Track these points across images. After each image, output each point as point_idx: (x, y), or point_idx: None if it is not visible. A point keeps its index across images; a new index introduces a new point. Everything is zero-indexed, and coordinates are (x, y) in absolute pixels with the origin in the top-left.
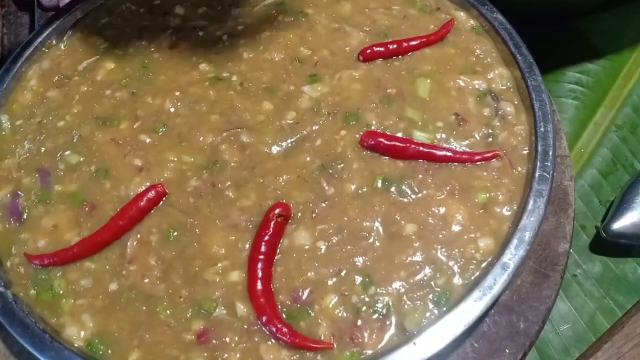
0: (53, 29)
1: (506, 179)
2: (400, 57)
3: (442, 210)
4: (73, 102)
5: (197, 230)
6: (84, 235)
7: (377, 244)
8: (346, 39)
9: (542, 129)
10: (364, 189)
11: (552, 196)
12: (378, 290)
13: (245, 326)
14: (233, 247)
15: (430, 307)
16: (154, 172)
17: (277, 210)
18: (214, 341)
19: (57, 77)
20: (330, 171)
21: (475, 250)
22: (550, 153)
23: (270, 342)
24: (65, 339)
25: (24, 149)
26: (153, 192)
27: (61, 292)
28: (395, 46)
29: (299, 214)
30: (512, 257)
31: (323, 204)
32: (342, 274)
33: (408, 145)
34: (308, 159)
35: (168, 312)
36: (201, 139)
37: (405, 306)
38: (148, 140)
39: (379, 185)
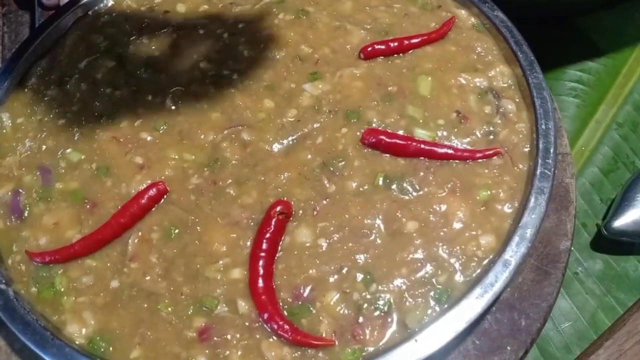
0: (54, 27)
1: (507, 177)
2: (401, 54)
3: (444, 207)
4: (74, 100)
5: (198, 228)
6: (85, 233)
7: (379, 241)
8: (347, 37)
9: (543, 127)
10: (365, 187)
11: (553, 194)
12: (379, 287)
13: (247, 323)
14: (234, 245)
15: (432, 304)
16: (155, 170)
17: (278, 208)
18: (215, 338)
19: (57, 75)
20: (332, 169)
21: (476, 248)
22: (552, 150)
23: (271, 339)
24: (67, 336)
25: (24, 147)
26: (154, 189)
27: (62, 289)
28: (396, 44)
29: (300, 212)
30: (513, 254)
31: (324, 202)
32: (344, 271)
33: (409, 142)
34: (309, 156)
35: (169, 309)
36: (202, 136)
37: (407, 303)
38: (149, 138)
39: (380, 182)
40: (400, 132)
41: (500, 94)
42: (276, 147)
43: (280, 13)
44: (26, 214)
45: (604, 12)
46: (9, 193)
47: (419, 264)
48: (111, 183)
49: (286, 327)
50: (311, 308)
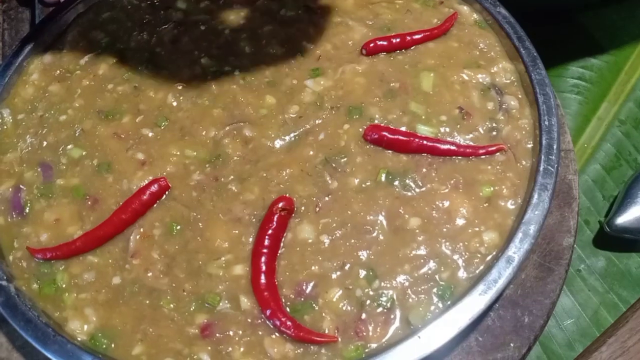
0: (55, 23)
1: (510, 173)
2: (403, 51)
3: (447, 204)
4: (75, 96)
5: (200, 224)
6: (86, 229)
7: (381, 237)
8: (349, 33)
9: (546, 123)
10: (368, 183)
11: (556, 190)
12: (382, 284)
13: (249, 320)
14: (236, 241)
15: (435, 301)
16: (157, 166)
17: (280, 204)
18: (217, 335)
19: (59, 71)
20: (334, 165)
21: (479, 244)
22: (555, 147)
23: (274, 336)
24: (68, 332)
25: (25, 143)
26: (156, 185)
27: (64, 286)
28: (398, 40)
29: (303, 208)
30: (516, 250)
31: (326, 198)
32: (346, 267)
33: (412, 139)
34: (311, 153)
35: (171, 305)
36: (204, 133)
37: (410, 300)
38: (150, 134)
39: (383, 179)
40: (403, 129)
41: (503, 90)
42: (278, 143)
43: (281, 9)
44: (27, 211)
45: (607, 9)
46: (10, 189)
47: (422, 261)
48: (112, 179)
49: (289, 323)
50: (314, 304)
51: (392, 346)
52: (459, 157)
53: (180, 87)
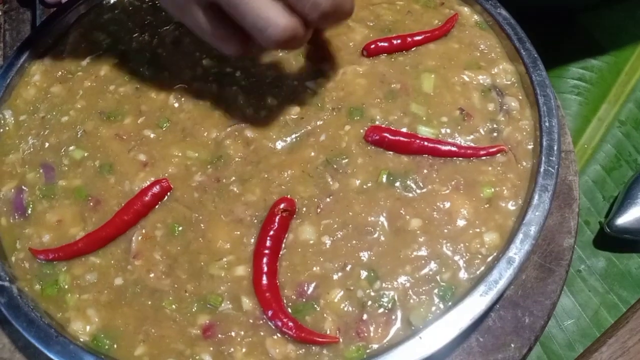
0: (56, 24)
1: (511, 174)
2: (404, 52)
3: (447, 205)
4: (77, 97)
5: (202, 225)
6: (88, 230)
7: (382, 238)
8: (350, 34)
9: (546, 124)
10: (369, 184)
11: (556, 191)
12: (383, 284)
13: (251, 320)
14: (238, 242)
15: (436, 302)
16: (159, 167)
17: (282, 205)
18: (219, 335)
19: (60, 73)
20: (335, 166)
21: (480, 245)
22: (555, 148)
23: (276, 337)
24: (71, 333)
25: (27, 144)
26: (158, 187)
27: (66, 286)
28: (399, 41)
29: (304, 209)
30: (517, 251)
31: (328, 199)
32: (348, 268)
33: (413, 140)
34: (312, 154)
35: (173, 306)
36: (205, 134)
37: (411, 301)
38: (152, 135)
39: (384, 180)
40: (404, 130)
41: (503, 92)
42: (279, 144)
43: None
44: (29, 212)
45: (607, 9)
46: (12, 190)
47: (423, 262)
48: (114, 180)
49: (290, 324)
50: (315, 305)
51: (393, 347)
52: (460, 158)
53: (181, 88)
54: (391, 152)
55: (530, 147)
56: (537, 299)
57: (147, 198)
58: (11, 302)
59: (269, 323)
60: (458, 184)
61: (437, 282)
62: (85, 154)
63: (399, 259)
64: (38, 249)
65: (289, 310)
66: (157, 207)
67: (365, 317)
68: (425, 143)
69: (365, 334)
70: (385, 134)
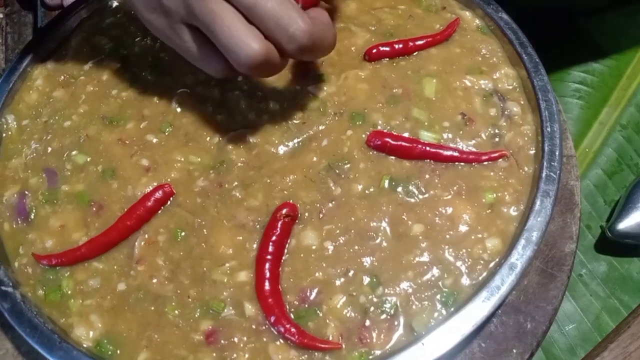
0: (58, 29)
1: (513, 179)
2: (406, 56)
3: (449, 210)
4: (79, 102)
5: (204, 231)
6: (91, 235)
7: (385, 244)
8: (352, 39)
9: (548, 129)
10: (371, 189)
11: (558, 196)
12: (386, 290)
13: (254, 326)
14: (241, 247)
15: (438, 308)
16: (161, 172)
17: (284, 211)
18: (222, 341)
19: (63, 77)
20: (337, 171)
21: (482, 251)
22: (557, 153)
23: (278, 342)
24: (74, 339)
25: (30, 149)
26: (160, 192)
27: (69, 292)
28: (401, 46)
29: (306, 214)
30: (519, 257)
31: (330, 204)
32: (350, 274)
33: (414, 145)
34: (315, 159)
35: (176, 312)
36: (208, 139)
37: (413, 306)
38: (155, 140)
39: (386, 185)
40: (406, 135)
41: (505, 96)
42: (282, 149)
43: None
44: (32, 217)
45: (609, 13)
46: (15, 195)
47: (425, 267)
48: (117, 185)
49: (293, 330)
50: (318, 311)
51: (395, 353)
52: (462, 164)
53: (184, 93)
54: (393, 157)
55: (532, 152)
56: (539, 304)
57: (149, 203)
58: (14, 308)
59: (272, 329)
60: (460, 189)
61: (440, 288)
62: (88, 159)
63: (401, 264)
64: (41, 254)
65: (292, 316)
66: (159, 212)
67: (367, 323)
68: (427, 148)
69: (368, 340)
70: (387, 139)
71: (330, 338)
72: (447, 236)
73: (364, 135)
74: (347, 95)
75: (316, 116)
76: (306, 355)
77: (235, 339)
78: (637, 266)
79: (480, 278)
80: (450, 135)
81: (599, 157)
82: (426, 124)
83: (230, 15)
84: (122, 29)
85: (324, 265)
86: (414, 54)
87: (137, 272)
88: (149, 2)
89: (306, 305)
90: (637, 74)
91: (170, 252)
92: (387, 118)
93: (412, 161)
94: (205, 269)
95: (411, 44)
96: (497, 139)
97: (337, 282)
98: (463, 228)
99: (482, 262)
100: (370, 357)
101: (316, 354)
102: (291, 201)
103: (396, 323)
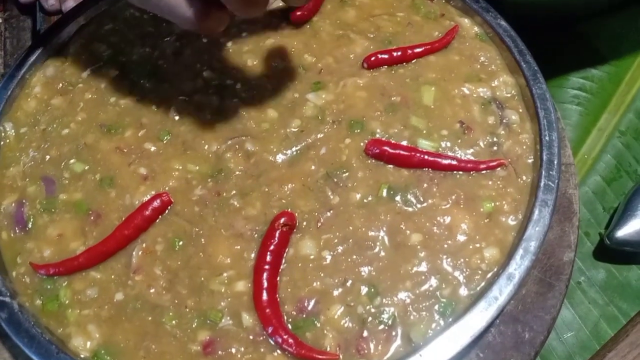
0: (57, 36)
1: (511, 188)
2: (404, 64)
3: (448, 219)
4: (77, 109)
5: (202, 240)
6: (89, 244)
7: (383, 253)
8: (350, 46)
9: (547, 138)
10: (369, 198)
11: (556, 205)
12: (384, 300)
13: (251, 337)
14: (238, 257)
15: (436, 318)
16: (159, 180)
17: (282, 220)
18: (220, 352)
19: (61, 84)
20: (335, 180)
21: (480, 261)
22: (555, 162)
23: (276, 353)
24: (72, 349)
25: (28, 157)
26: (158, 201)
27: (67, 302)
28: (399, 53)
29: (304, 223)
30: (517, 267)
31: (328, 213)
32: (348, 284)
33: (413, 153)
34: (313, 167)
35: (174, 322)
36: (206, 147)
37: (411, 317)
38: (153, 148)
39: (384, 194)
40: (404, 143)
41: (503, 104)
42: (280, 157)
43: (282, 22)
44: (30, 225)
45: (607, 18)
46: (13, 204)
47: (423, 277)
48: (115, 194)
49: (290, 341)
50: (315, 321)
51: None
52: (460, 172)
53: (182, 101)
54: (391, 166)
55: (530, 160)
56: (537, 313)
57: (147, 212)
58: (12, 318)
59: (269, 339)
60: (458, 198)
61: (438, 298)
62: (86, 167)
63: (399, 274)
64: (39, 263)
65: (289, 326)
66: (157, 221)
67: (365, 333)
68: (426, 157)
69: (366, 351)
70: (386, 148)
71: (328, 349)
72: (445, 246)
73: (362, 144)
74: (346, 103)
75: (314, 124)
76: None
77: (233, 350)
78: (635, 274)
79: (478, 288)
80: (448, 144)
81: (597, 164)
82: (424, 132)
83: None
84: (121, 36)
85: (322, 275)
86: (413, 61)
87: (135, 282)
88: None
89: (304, 316)
90: (636, 80)
91: (168, 261)
92: (385, 126)
93: (411, 170)
94: (203, 278)
95: (410, 51)
96: (495, 148)
97: (335, 292)
98: (461, 237)
99: (480, 272)
100: None
101: None
102: (289, 210)
103: (394, 334)
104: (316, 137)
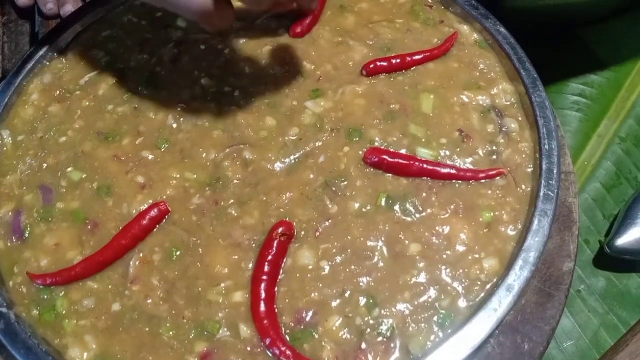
0: (54, 42)
1: (511, 198)
2: (403, 71)
3: (447, 229)
4: (75, 117)
5: (200, 250)
6: (86, 254)
7: (381, 264)
8: (349, 53)
9: (546, 147)
10: (368, 208)
11: (556, 214)
12: (382, 312)
13: (249, 348)
14: (236, 267)
15: (435, 330)
16: (157, 189)
17: (280, 230)
18: None
19: (59, 92)
20: (334, 189)
21: (480, 271)
22: (555, 171)
23: None
24: None
25: (25, 166)
26: (156, 210)
27: (64, 312)
28: (398, 61)
29: (303, 233)
30: (517, 278)
31: (327, 223)
32: (346, 295)
33: (412, 162)
34: (311, 176)
35: (171, 333)
36: (204, 155)
37: (410, 329)
38: (150, 156)
39: (383, 203)
40: (403, 152)
41: (503, 113)
42: (278, 166)
43: (281, 28)
44: (27, 235)
45: (607, 24)
46: (10, 213)
47: (422, 288)
48: (112, 203)
49: (288, 353)
50: (314, 333)
51: None
52: (459, 182)
53: (180, 109)
54: (390, 175)
55: (529, 170)
56: (537, 324)
57: (145, 222)
58: (9, 329)
59: (267, 351)
60: (457, 207)
61: (437, 310)
62: (84, 176)
63: (398, 285)
64: (36, 273)
65: (287, 338)
66: (155, 230)
67: (364, 345)
68: (425, 166)
69: None
70: (385, 156)
71: None
72: (445, 256)
73: (361, 152)
74: (345, 111)
75: (313, 132)
76: None
77: None
78: (635, 282)
79: (477, 299)
80: (447, 152)
81: (597, 171)
82: (424, 140)
83: None
84: (119, 42)
85: (320, 285)
86: (412, 69)
87: (132, 292)
88: None
89: (302, 327)
90: (636, 86)
91: (165, 271)
92: (384, 134)
93: (410, 179)
94: (200, 289)
95: (409, 59)
96: (494, 157)
97: (334, 303)
98: (460, 248)
99: (479, 283)
100: None
101: None
102: (287, 219)
103: (392, 346)
104: (315, 146)
